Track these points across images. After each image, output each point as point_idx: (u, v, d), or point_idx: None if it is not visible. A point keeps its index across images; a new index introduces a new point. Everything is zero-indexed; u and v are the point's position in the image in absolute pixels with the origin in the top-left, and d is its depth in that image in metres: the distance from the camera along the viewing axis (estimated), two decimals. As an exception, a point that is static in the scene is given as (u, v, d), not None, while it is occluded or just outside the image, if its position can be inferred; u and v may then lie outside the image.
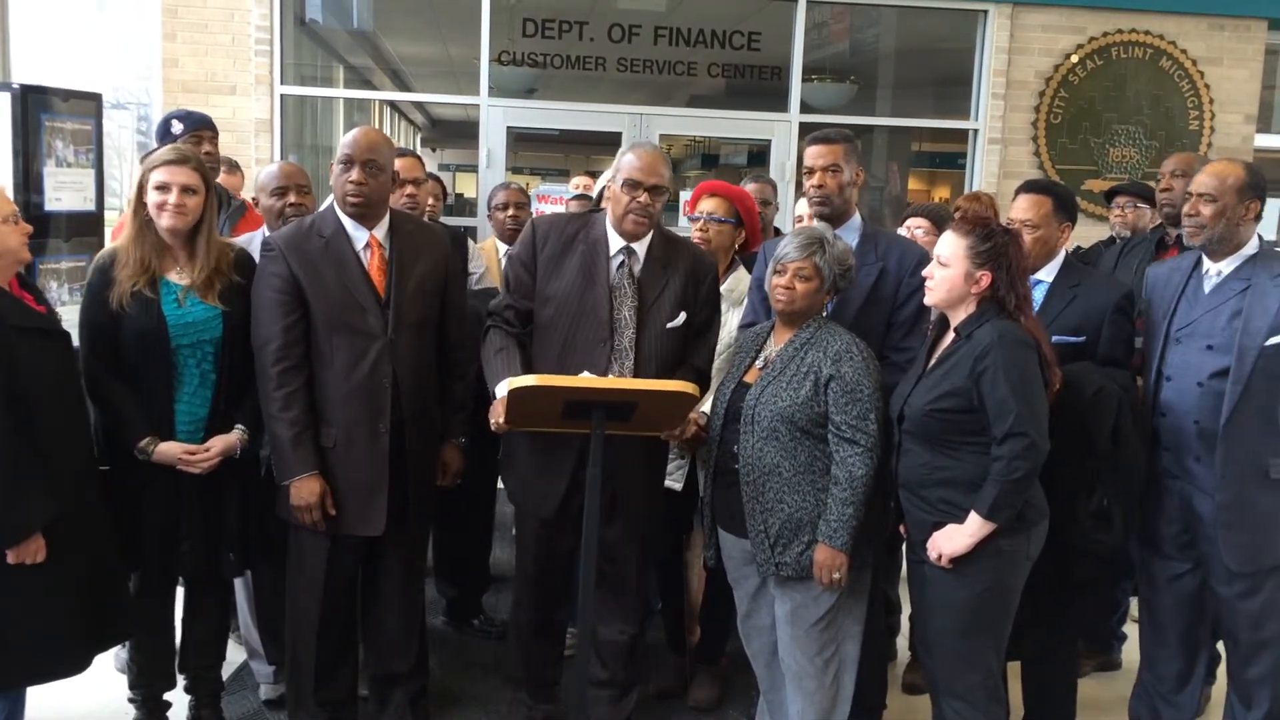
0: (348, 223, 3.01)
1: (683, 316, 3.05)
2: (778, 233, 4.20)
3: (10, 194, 2.88)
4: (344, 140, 3.00)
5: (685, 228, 4.31)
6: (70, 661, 2.78)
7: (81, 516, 2.76)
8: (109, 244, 3.70)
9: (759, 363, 2.95)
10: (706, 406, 3.24)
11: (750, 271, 3.59)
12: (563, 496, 3.06)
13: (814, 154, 3.13)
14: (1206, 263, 3.02)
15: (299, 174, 3.46)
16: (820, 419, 2.79)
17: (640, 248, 3.08)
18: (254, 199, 3.71)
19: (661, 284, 3.07)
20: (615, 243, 3.07)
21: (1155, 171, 3.95)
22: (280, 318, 2.92)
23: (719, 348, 3.44)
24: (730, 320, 3.47)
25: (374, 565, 3.17)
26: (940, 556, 2.68)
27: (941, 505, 2.70)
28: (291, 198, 3.36)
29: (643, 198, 2.98)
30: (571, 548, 3.18)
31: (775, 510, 2.82)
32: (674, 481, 3.45)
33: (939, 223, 3.74)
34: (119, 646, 3.63)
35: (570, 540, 3.15)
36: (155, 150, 3.72)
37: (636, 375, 3.00)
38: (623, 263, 3.06)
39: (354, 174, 2.95)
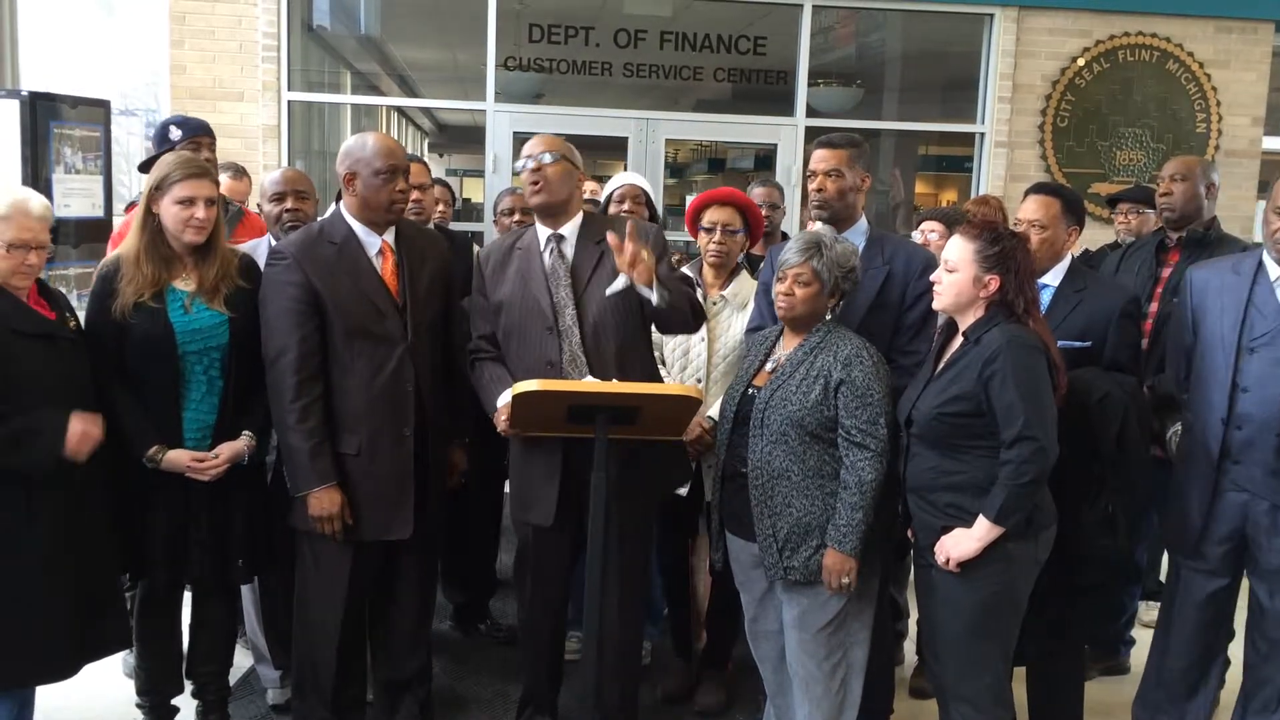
0: (359, 229, 3.01)
1: (623, 279, 2.96)
2: (784, 237, 4.20)
3: (52, 215, 2.85)
4: (376, 150, 2.96)
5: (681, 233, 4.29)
6: (54, 668, 2.78)
7: (82, 524, 2.77)
8: (110, 251, 3.72)
9: (768, 366, 2.94)
10: (713, 411, 3.24)
11: (751, 273, 3.59)
12: (557, 503, 3.05)
13: (817, 158, 3.13)
14: (1274, 270, 2.95)
15: (300, 180, 3.46)
16: (830, 423, 2.78)
17: (570, 231, 3.09)
18: (258, 205, 3.72)
19: (595, 258, 3.06)
20: (544, 234, 3.09)
21: (1163, 175, 3.95)
22: (297, 327, 2.91)
23: (724, 352, 3.45)
24: (735, 324, 3.47)
25: (390, 569, 3.17)
26: (948, 560, 2.68)
27: (949, 509, 2.70)
28: (289, 203, 3.37)
29: (532, 165, 3.01)
30: (567, 556, 3.18)
31: (784, 514, 2.82)
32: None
33: (952, 226, 3.75)
34: (127, 652, 3.65)
35: (565, 548, 3.15)
36: (157, 157, 3.74)
37: (585, 350, 3.00)
38: (553, 249, 3.07)
39: (400, 183, 2.97)
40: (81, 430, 2.68)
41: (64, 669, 2.80)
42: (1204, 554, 3.06)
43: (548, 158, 3.00)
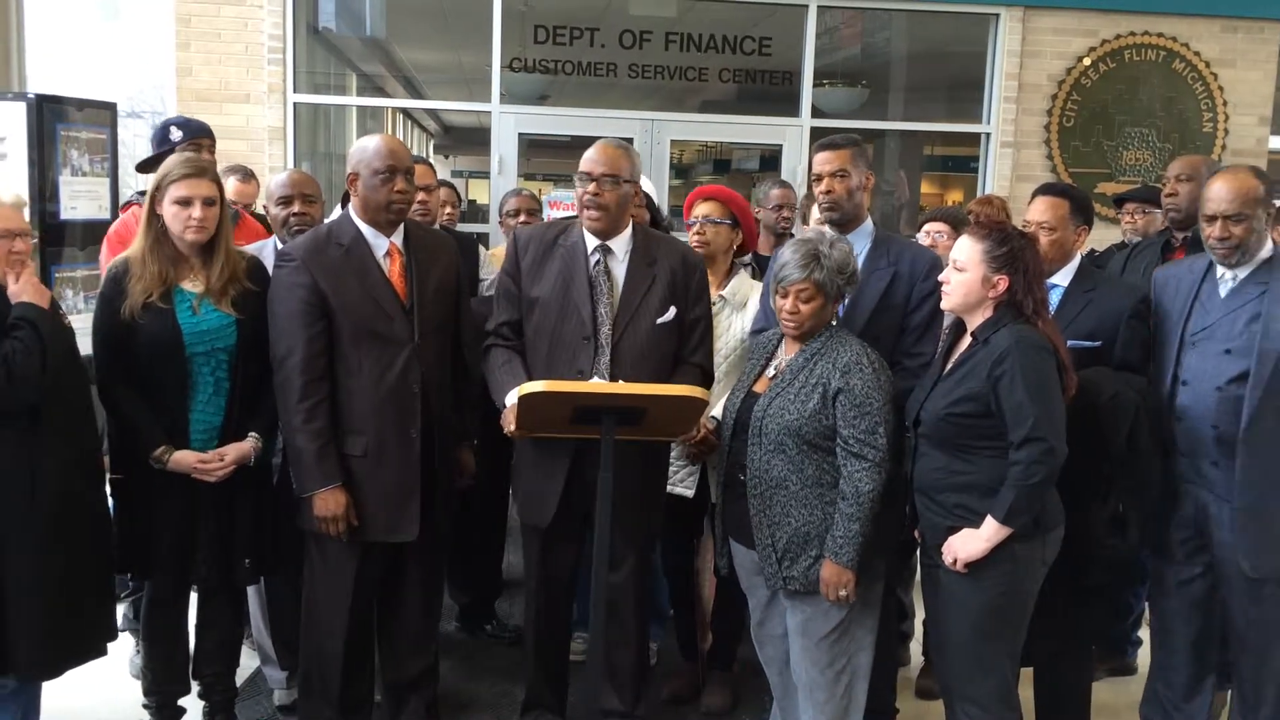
0: (367, 231, 3.01)
1: (673, 311, 3.05)
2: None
3: (26, 202, 2.86)
4: (376, 151, 2.96)
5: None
6: (40, 664, 2.77)
7: (80, 520, 2.78)
8: (104, 250, 3.73)
9: (769, 372, 2.93)
10: (718, 411, 3.24)
11: (752, 275, 3.59)
12: (558, 506, 3.06)
13: (821, 160, 3.13)
14: (1220, 268, 2.99)
15: (306, 183, 3.46)
16: (829, 432, 2.75)
17: (619, 246, 3.09)
18: (264, 207, 3.72)
19: (647, 280, 3.07)
20: (592, 243, 3.08)
21: (1170, 175, 3.95)
22: (305, 329, 2.92)
23: (725, 352, 3.44)
24: (735, 324, 3.47)
25: (396, 570, 3.17)
26: (955, 561, 2.67)
27: (957, 509, 2.69)
28: (296, 207, 3.37)
29: (591, 188, 2.99)
30: (571, 558, 3.18)
31: (782, 524, 2.79)
32: (684, 488, 3.44)
33: (958, 226, 3.74)
34: (134, 652, 3.67)
35: (568, 550, 3.15)
36: (156, 158, 3.75)
37: (613, 372, 2.99)
38: (599, 260, 3.07)
39: (399, 184, 2.96)
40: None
41: (50, 668, 2.79)
42: (1168, 546, 3.07)
43: (608, 183, 2.99)
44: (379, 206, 2.98)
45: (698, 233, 3.53)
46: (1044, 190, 3.29)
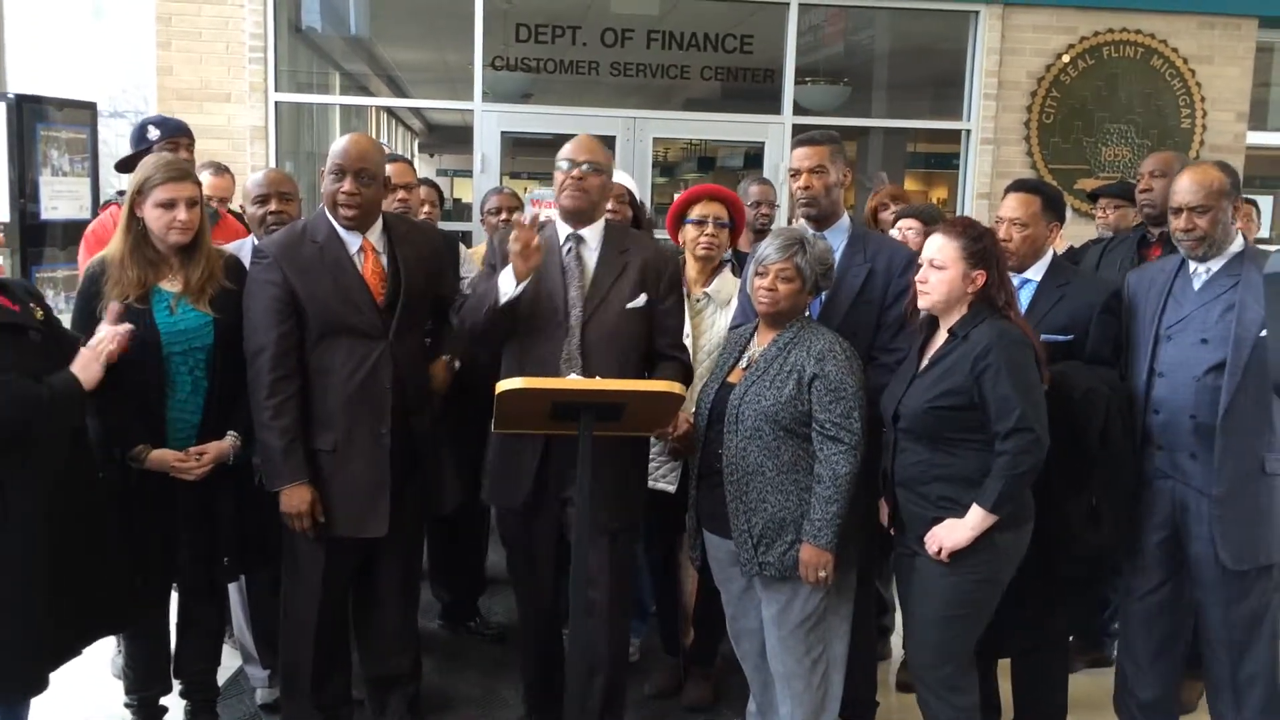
0: (340, 227, 3.03)
1: (643, 298, 3.08)
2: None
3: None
4: (333, 150, 3.00)
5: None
6: (27, 681, 2.67)
7: (60, 519, 2.74)
8: (81, 250, 3.72)
9: (742, 363, 2.96)
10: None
11: (735, 273, 3.61)
12: (530, 489, 3.06)
13: (799, 156, 3.15)
14: (1193, 263, 3.03)
15: (283, 181, 3.47)
16: (804, 418, 2.80)
17: (592, 235, 3.11)
18: (241, 206, 3.72)
19: (619, 268, 3.10)
20: (564, 231, 3.11)
21: (1147, 171, 3.98)
22: (275, 325, 2.93)
23: (709, 349, 3.46)
24: (719, 321, 3.49)
25: (370, 567, 3.18)
26: (940, 550, 2.71)
27: (941, 501, 2.74)
28: (272, 205, 3.38)
29: (575, 173, 3.03)
30: (550, 539, 3.17)
31: (759, 510, 2.83)
32: (666, 484, 3.46)
33: (930, 223, 3.77)
34: (115, 652, 3.67)
35: (544, 530, 3.15)
36: (134, 157, 3.75)
37: (583, 354, 3.01)
38: (571, 249, 3.09)
39: (346, 184, 2.96)
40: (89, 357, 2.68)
41: (37, 683, 2.68)
42: (1140, 549, 3.09)
43: (590, 169, 3.04)
44: (329, 206, 3.01)
45: (710, 234, 3.54)
46: (1016, 187, 3.30)
